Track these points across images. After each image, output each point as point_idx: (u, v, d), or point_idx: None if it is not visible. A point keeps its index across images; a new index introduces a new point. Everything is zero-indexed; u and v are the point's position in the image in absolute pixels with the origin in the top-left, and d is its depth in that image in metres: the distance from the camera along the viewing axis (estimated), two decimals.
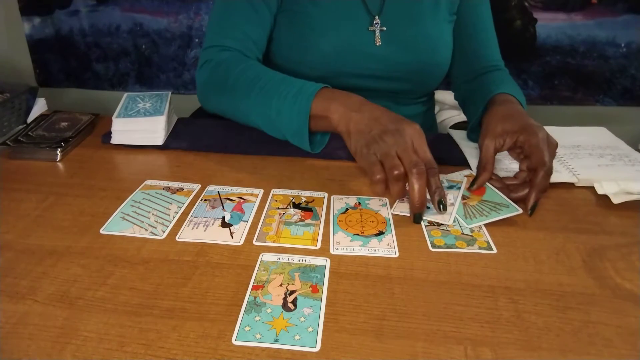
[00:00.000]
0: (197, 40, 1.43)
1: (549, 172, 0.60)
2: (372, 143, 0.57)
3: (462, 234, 0.55)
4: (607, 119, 1.40)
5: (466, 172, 0.64)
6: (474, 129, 0.74)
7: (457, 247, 0.52)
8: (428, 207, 0.58)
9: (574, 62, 1.34)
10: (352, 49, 0.80)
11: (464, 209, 0.58)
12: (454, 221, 0.56)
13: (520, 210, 0.57)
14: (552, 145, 0.62)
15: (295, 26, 0.81)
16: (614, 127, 0.80)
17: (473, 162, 0.69)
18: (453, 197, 0.60)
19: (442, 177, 0.63)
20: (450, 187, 0.62)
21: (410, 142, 0.57)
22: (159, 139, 0.74)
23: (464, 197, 0.60)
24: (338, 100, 0.62)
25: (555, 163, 0.68)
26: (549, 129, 0.78)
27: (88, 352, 0.39)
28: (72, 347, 0.40)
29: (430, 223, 0.56)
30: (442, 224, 0.56)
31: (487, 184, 0.61)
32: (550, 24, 1.31)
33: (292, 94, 0.64)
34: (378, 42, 0.80)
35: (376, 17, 0.80)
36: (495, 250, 0.52)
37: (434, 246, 0.52)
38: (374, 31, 0.80)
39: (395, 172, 0.54)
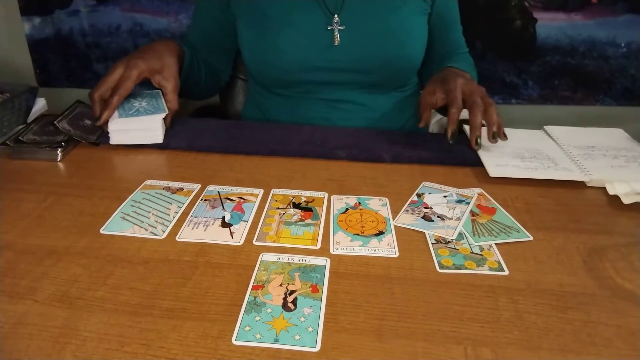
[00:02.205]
0: None
1: (459, 107, 0.71)
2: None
3: (472, 252, 0.52)
4: (607, 119, 1.40)
5: (478, 189, 0.63)
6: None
7: (466, 268, 0.49)
8: (432, 221, 0.57)
9: (574, 62, 1.34)
10: (310, 44, 0.82)
11: (472, 225, 0.56)
12: (463, 237, 0.54)
13: (531, 237, 0.55)
14: (468, 86, 0.72)
15: (253, 27, 0.85)
16: (614, 127, 0.80)
17: (487, 159, 0.69)
18: (460, 212, 0.58)
19: (453, 190, 0.63)
20: (459, 202, 0.61)
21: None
22: (159, 137, 0.74)
23: (473, 214, 0.58)
24: None
25: (568, 162, 0.69)
26: (564, 129, 0.80)
27: (88, 352, 0.39)
28: (72, 347, 0.40)
29: (437, 240, 0.54)
30: (449, 242, 0.54)
31: (500, 206, 0.60)
32: (550, 24, 1.31)
33: None
34: (337, 42, 0.82)
35: (335, 16, 0.81)
36: (507, 272, 0.49)
37: (441, 267, 0.50)
38: (332, 30, 0.81)
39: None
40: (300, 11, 0.82)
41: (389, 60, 0.83)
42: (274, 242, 0.53)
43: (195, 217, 0.57)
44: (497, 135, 0.69)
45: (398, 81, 0.89)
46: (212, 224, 0.56)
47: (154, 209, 0.59)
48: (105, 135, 0.74)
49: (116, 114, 0.73)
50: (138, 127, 0.73)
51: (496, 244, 0.53)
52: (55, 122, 0.73)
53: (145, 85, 0.79)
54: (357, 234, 0.55)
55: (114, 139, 0.73)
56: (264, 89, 0.92)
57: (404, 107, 0.92)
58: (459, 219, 0.57)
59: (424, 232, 0.55)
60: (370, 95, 0.87)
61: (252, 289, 0.46)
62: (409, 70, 0.89)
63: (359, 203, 0.61)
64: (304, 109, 0.88)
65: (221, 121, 0.85)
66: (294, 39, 0.82)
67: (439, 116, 1.13)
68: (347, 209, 0.59)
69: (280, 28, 0.82)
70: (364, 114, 0.87)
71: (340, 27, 0.81)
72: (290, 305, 0.44)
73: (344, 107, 0.87)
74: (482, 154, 0.71)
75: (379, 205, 0.60)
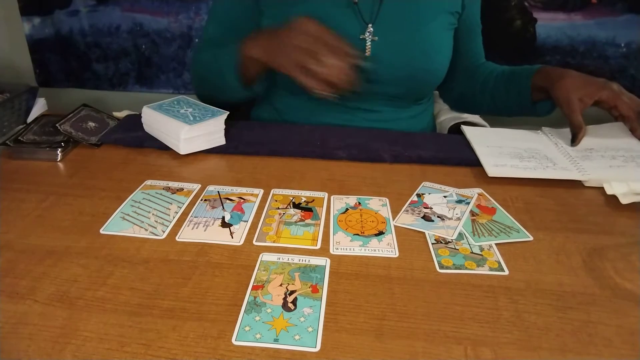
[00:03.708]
0: (197, 40, 1.42)
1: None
2: None
3: (472, 252, 0.52)
4: (607, 119, 1.39)
5: (478, 190, 0.63)
6: (527, 103, 0.85)
7: (466, 268, 0.49)
8: (432, 221, 0.57)
9: (574, 62, 1.33)
10: None
11: (472, 225, 0.56)
12: (463, 238, 0.54)
13: (531, 238, 0.55)
14: (621, 91, 0.77)
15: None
16: None
17: (485, 159, 0.69)
18: (461, 212, 0.58)
19: (453, 190, 0.63)
20: (459, 202, 0.61)
21: None
22: (222, 138, 0.73)
23: (473, 214, 0.58)
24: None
25: (566, 162, 0.69)
26: (563, 130, 0.80)
27: (88, 352, 0.39)
28: (72, 347, 0.40)
29: (437, 240, 0.54)
30: (449, 242, 0.53)
31: (499, 207, 0.60)
32: (550, 24, 1.30)
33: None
34: (368, 52, 0.80)
35: (369, 26, 0.80)
36: (507, 272, 0.49)
37: (441, 267, 0.50)
38: (364, 40, 0.80)
39: None
40: (332, 18, 0.79)
41: (415, 73, 0.82)
42: (274, 242, 0.53)
43: (195, 217, 0.57)
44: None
45: (420, 94, 0.89)
46: (212, 224, 0.56)
47: (154, 209, 0.59)
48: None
49: (183, 123, 0.69)
50: (205, 131, 0.71)
51: (496, 244, 0.53)
52: (57, 125, 0.73)
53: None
54: (357, 234, 0.55)
55: (185, 149, 0.70)
56: (283, 90, 0.90)
57: (419, 120, 0.92)
58: (459, 219, 0.57)
59: (424, 232, 0.55)
60: (389, 107, 0.87)
61: (252, 289, 0.46)
62: (432, 84, 0.89)
63: (359, 203, 0.61)
64: (324, 114, 0.86)
65: None
66: None
67: (440, 117, 1.13)
68: (347, 209, 0.59)
69: None
70: (382, 125, 0.87)
71: (374, 38, 0.79)
72: (290, 305, 0.44)
73: (364, 115, 0.86)
74: (480, 153, 0.71)
75: (379, 205, 0.60)
